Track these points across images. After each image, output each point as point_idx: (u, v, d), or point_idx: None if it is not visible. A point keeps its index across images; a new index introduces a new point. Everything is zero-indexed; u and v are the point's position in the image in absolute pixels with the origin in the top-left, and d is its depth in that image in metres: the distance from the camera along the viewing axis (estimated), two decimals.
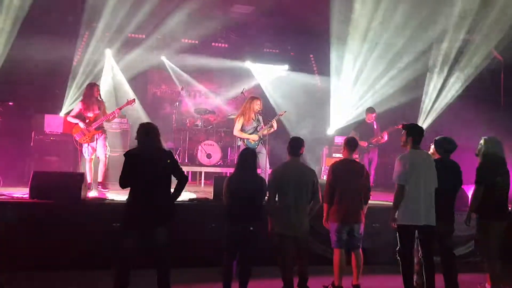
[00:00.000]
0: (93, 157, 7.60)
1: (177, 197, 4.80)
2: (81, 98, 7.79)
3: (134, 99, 8.03)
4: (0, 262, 5.53)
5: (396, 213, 4.99)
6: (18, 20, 8.32)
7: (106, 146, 7.70)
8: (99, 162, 7.68)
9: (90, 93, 7.67)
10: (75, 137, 7.53)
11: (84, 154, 7.58)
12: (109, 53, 10.43)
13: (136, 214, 4.56)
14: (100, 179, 7.69)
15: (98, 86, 7.89)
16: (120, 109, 7.80)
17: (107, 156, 7.69)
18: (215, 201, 6.43)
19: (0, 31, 8.20)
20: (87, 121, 7.52)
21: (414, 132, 5.06)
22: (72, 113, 7.63)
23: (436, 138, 5.47)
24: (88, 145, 7.52)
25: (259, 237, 4.91)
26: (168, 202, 4.69)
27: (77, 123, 7.50)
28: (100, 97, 7.81)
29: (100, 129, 7.65)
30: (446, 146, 5.33)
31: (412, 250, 5.06)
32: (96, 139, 7.57)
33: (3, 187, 6.64)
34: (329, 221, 5.31)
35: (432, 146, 5.49)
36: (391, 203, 5.09)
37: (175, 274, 4.73)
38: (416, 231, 4.97)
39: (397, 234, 5.04)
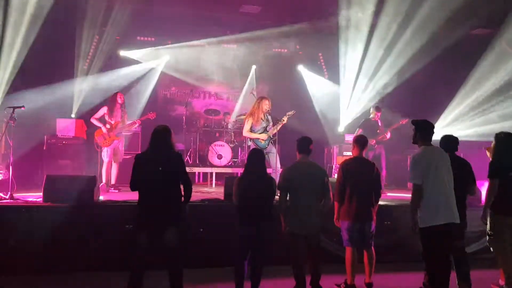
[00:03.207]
0: (109, 159, 7.99)
1: (186, 203, 4.80)
2: (106, 103, 8.27)
3: (154, 113, 8.29)
4: (15, 265, 5.63)
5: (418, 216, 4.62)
6: (31, 27, 8.45)
7: (122, 151, 8.19)
8: (113, 165, 8.11)
9: (114, 99, 8.12)
10: (96, 140, 7.99)
11: (103, 156, 8.03)
12: (122, 55, 10.54)
13: (146, 215, 4.60)
14: (113, 181, 8.09)
15: (122, 94, 8.31)
16: (141, 120, 8.30)
17: (121, 159, 8.16)
18: (226, 202, 6.46)
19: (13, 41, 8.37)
20: (108, 126, 7.95)
21: (422, 128, 4.79)
22: (96, 116, 8.09)
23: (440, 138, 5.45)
24: (108, 148, 7.94)
25: (271, 236, 4.93)
26: (178, 203, 4.72)
27: (100, 127, 7.96)
28: (124, 105, 8.22)
29: (120, 135, 8.12)
30: (449, 143, 5.31)
31: (440, 251, 4.64)
32: (115, 144, 8.04)
33: (17, 191, 6.71)
34: (340, 219, 5.30)
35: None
36: (403, 202, 5.03)
37: (187, 274, 4.76)
38: (446, 230, 4.57)
39: (421, 237, 4.62)
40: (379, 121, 9.18)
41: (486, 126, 9.81)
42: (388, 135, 8.98)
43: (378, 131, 9.01)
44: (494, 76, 9.93)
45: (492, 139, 5.44)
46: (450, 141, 5.34)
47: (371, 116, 9.19)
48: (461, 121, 10.29)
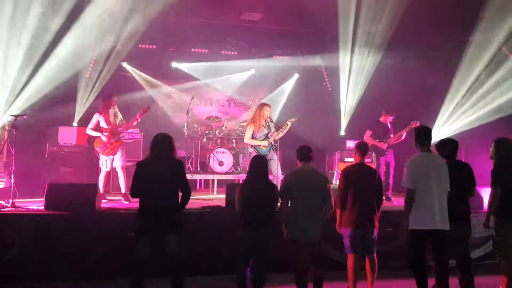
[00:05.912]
0: (108, 169, 7.66)
1: (182, 209, 4.83)
2: (98, 109, 7.82)
3: (149, 107, 8.00)
4: (17, 273, 5.63)
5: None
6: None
7: (124, 156, 7.77)
8: (119, 173, 7.72)
9: (108, 104, 7.72)
10: (98, 150, 7.61)
11: (101, 165, 7.64)
12: (126, 66, 10.60)
13: (147, 222, 4.61)
14: (123, 190, 7.68)
15: (114, 97, 7.90)
16: (141, 115, 7.76)
17: (125, 166, 7.75)
18: (228, 209, 6.46)
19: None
20: (105, 133, 7.57)
21: (420, 135, 5.03)
22: (90, 126, 7.69)
23: (436, 142, 5.45)
24: (107, 157, 7.59)
25: (273, 243, 4.93)
26: (178, 211, 4.73)
27: (98, 136, 7.59)
28: (116, 108, 7.86)
29: (120, 140, 7.75)
30: (447, 148, 5.30)
31: (425, 255, 4.96)
32: (118, 150, 7.67)
33: (19, 199, 6.72)
34: (342, 226, 5.30)
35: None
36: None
37: (189, 282, 4.76)
38: (429, 235, 4.87)
39: (409, 239, 4.97)
40: (389, 124, 8.68)
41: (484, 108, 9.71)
42: (404, 136, 8.47)
43: (388, 134, 8.57)
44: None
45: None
46: (447, 146, 5.33)
47: (381, 118, 8.68)
48: (461, 113, 10.20)
